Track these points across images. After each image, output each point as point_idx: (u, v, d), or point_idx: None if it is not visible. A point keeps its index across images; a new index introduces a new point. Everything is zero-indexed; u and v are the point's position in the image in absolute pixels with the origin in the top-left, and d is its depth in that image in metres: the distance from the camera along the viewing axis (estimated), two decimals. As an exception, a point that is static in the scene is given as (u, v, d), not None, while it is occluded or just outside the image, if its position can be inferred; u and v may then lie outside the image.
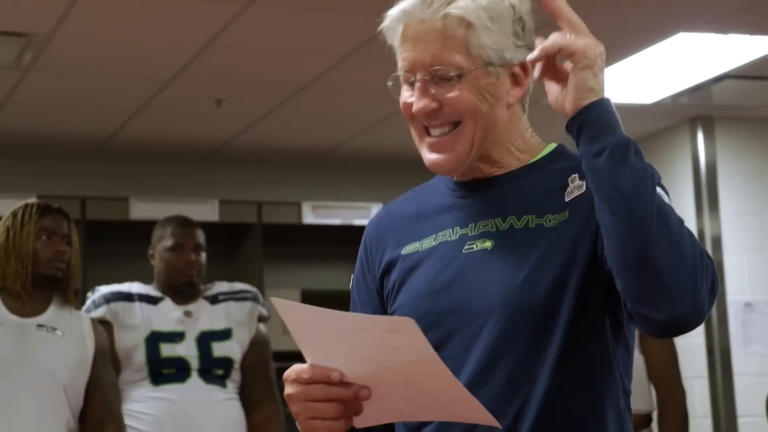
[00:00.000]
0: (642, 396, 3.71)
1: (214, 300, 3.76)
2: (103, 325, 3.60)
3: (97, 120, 5.69)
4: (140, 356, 3.59)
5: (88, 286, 5.35)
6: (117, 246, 6.20)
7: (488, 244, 1.60)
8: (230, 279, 4.04)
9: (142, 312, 3.66)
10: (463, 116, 1.60)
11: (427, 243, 1.66)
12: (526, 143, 1.68)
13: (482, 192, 1.65)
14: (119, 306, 3.65)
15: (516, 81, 1.64)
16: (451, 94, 1.59)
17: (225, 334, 3.69)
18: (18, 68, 4.82)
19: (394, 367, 1.43)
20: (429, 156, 1.63)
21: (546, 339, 1.55)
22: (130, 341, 3.60)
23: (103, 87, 5.16)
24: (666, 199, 1.53)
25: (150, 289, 3.74)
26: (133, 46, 4.64)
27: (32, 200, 3.30)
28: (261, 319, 3.81)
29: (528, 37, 1.65)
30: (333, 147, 6.29)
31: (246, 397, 3.70)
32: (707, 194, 6.02)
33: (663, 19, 4.54)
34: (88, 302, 3.70)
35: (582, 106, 1.54)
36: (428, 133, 1.63)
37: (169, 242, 3.73)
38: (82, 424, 3.21)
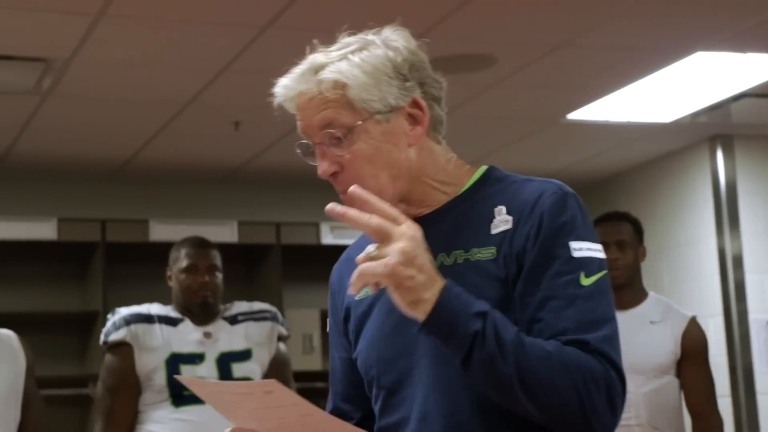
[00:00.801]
0: (676, 421, 3.68)
1: (233, 320, 3.76)
2: (123, 347, 3.62)
3: (117, 143, 5.73)
4: (161, 378, 3.59)
5: (109, 307, 5.37)
6: (137, 268, 6.23)
7: None
8: (249, 300, 4.04)
9: (162, 333, 3.66)
10: (364, 179, 1.60)
11: (370, 290, 1.66)
12: (449, 175, 1.68)
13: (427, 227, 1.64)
14: (139, 328, 3.65)
15: (414, 120, 1.64)
16: (347, 153, 1.61)
17: (245, 355, 3.69)
18: (38, 93, 4.86)
19: (291, 422, 1.53)
20: None
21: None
22: (151, 363, 3.60)
23: (122, 111, 5.19)
24: (584, 247, 1.56)
25: (169, 311, 3.75)
26: (151, 70, 4.67)
27: None
28: (281, 338, 3.82)
29: (416, 73, 1.65)
30: (351, 168, 6.29)
31: None
32: (727, 213, 6.00)
33: (681, 38, 4.54)
34: (108, 324, 3.70)
35: (420, 321, 1.50)
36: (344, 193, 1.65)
37: (183, 263, 3.74)
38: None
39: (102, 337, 3.72)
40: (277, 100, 1.69)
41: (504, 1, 4.09)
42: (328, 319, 1.82)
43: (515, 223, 1.59)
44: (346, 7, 3.97)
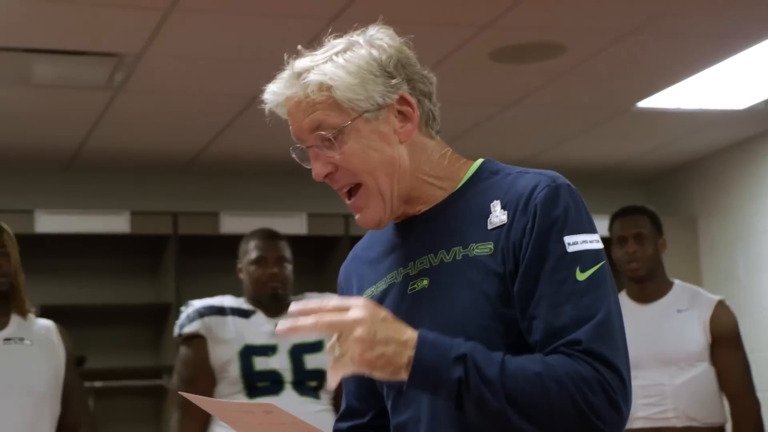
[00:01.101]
0: (714, 410, 3.66)
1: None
2: (197, 339, 3.65)
3: (187, 136, 5.79)
4: (234, 370, 3.62)
5: (181, 299, 5.44)
6: (208, 260, 6.29)
7: (425, 282, 1.65)
8: (319, 291, 4.06)
9: (235, 326, 3.69)
10: (359, 174, 1.64)
11: (380, 286, 1.71)
12: (445, 170, 1.69)
13: (417, 229, 1.69)
14: (212, 320, 3.69)
15: (404, 117, 1.65)
16: (339, 153, 1.63)
17: (317, 346, 3.71)
18: (110, 88, 4.93)
19: None
20: (357, 218, 1.69)
21: None
22: (224, 355, 3.64)
23: (193, 104, 5.24)
24: (579, 240, 1.57)
25: (241, 303, 3.78)
26: (220, 63, 4.71)
27: None
28: None
29: (403, 70, 1.66)
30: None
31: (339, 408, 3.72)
32: (804, 200, 5.89)
33: (755, 22, 4.46)
34: (182, 317, 3.74)
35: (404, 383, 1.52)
36: (347, 196, 1.68)
37: (252, 255, 3.76)
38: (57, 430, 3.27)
39: (176, 330, 3.76)
40: (267, 107, 1.71)
41: (573, -12, 4.06)
42: None
43: (510, 217, 1.60)
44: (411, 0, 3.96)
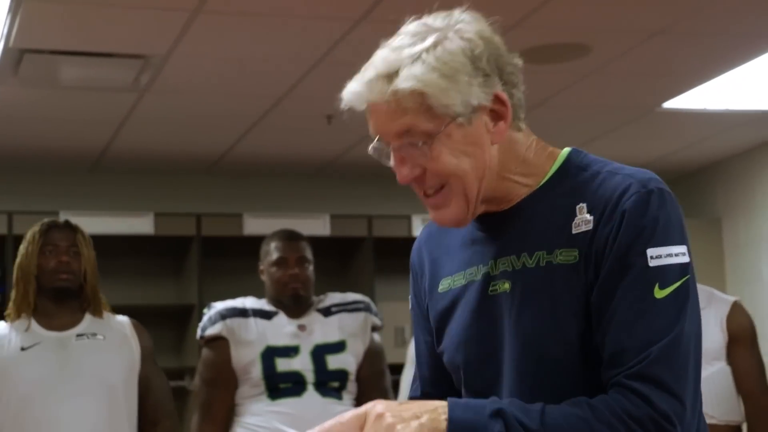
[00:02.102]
0: (731, 407, 3.66)
1: (327, 312, 3.78)
2: (219, 341, 3.67)
3: (212, 138, 5.81)
4: (257, 371, 3.63)
5: (204, 301, 5.46)
6: (231, 261, 6.31)
7: (507, 285, 1.57)
8: (342, 291, 4.06)
9: (257, 327, 3.70)
10: (448, 178, 1.54)
11: (458, 280, 1.64)
12: (530, 166, 1.60)
13: (498, 226, 1.60)
14: (235, 322, 3.70)
15: (497, 115, 1.55)
16: (427, 161, 1.53)
17: (339, 347, 3.71)
18: (136, 89, 4.95)
19: None
20: (432, 214, 1.59)
21: (562, 389, 1.51)
22: (247, 356, 3.65)
23: (217, 106, 5.26)
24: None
25: (263, 304, 3.78)
26: (245, 65, 4.72)
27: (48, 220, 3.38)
28: (374, 329, 3.83)
29: (494, 64, 1.55)
30: (443, 160, 6.30)
31: None
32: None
33: (781, 23, 4.44)
34: (205, 319, 3.76)
35: None
36: (425, 195, 1.58)
37: (273, 256, 3.76)
38: (137, 423, 3.30)
39: (198, 332, 3.77)
40: (345, 106, 1.59)
41: (598, -11, 4.05)
42: (410, 298, 1.78)
43: (596, 223, 1.51)
44: (437, -1, 3.96)
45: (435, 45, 1.52)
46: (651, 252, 1.48)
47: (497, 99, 1.54)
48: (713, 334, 3.62)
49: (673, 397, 1.45)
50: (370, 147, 1.60)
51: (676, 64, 4.87)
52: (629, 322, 1.46)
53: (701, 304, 3.86)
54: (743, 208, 6.39)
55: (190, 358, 5.98)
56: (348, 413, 1.46)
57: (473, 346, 1.61)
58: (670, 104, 5.42)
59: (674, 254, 1.49)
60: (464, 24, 1.55)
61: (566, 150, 1.62)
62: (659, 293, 1.47)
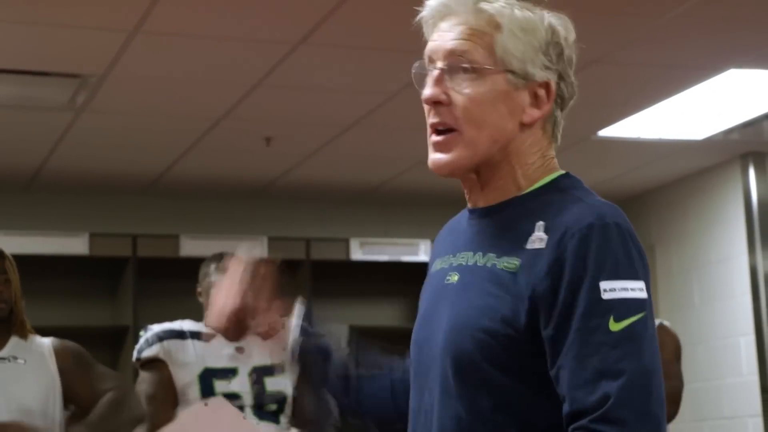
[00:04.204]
0: None
1: (265, 335, 3.76)
2: (157, 363, 3.63)
3: (149, 158, 5.77)
4: (194, 393, 3.60)
5: (139, 322, 5.40)
6: (168, 283, 6.25)
7: (456, 278, 1.59)
8: (282, 314, 4.03)
9: (195, 349, 3.68)
10: (464, 123, 1.55)
11: (438, 264, 1.67)
12: (534, 171, 1.61)
13: (476, 221, 1.63)
14: (172, 344, 3.67)
15: (536, 102, 1.58)
16: (461, 93, 1.55)
17: (278, 369, 3.69)
18: (72, 109, 4.90)
19: None
20: (431, 156, 1.60)
21: (475, 389, 1.52)
22: (184, 378, 3.62)
23: (155, 126, 5.23)
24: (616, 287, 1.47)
25: (201, 327, 3.76)
26: (184, 86, 4.70)
27: None
28: None
29: (561, 64, 1.59)
30: (381, 184, 6.31)
31: None
32: (759, 230, 5.96)
33: (714, 55, 4.53)
34: (141, 341, 3.73)
35: None
36: (435, 133, 1.59)
37: (212, 278, 3.75)
38: (82, 412, 3.30)
39: (135, 354, 3.74)
40: (423, 14, 1.61)
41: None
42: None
43: (548, 244, 1.50)
44: (380, 24, 3.98)
45: (527, 8, 1.58)
46: (603, 285, 1.46)
47: (546, 86, 1.58)
48: None
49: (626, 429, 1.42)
50: (413, 67, 1.62)
51: (611, 93, 4.94)
52: (585, 355, 1.45)
53: None
54: (676, 235, 6.48)
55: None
56: None
57: (420, 331, 1.64)
58: (604, 132, 5.49)
59: (630, 289, 1.47)
60: (555, 18, 1.61)
61: (558, 172, 1.64)
62: (614, 326, 1.45)
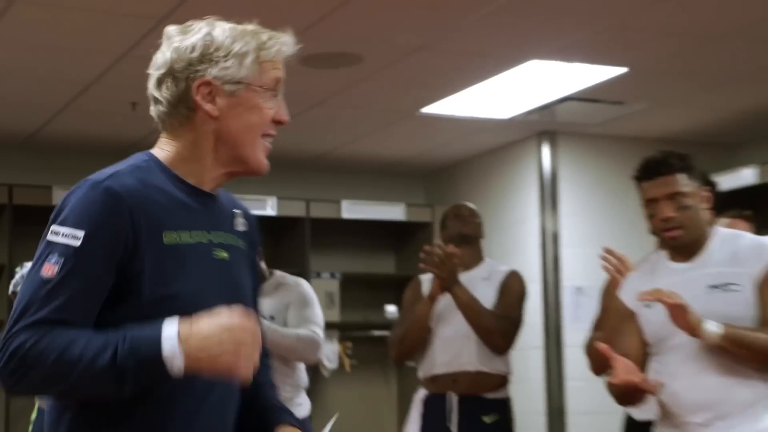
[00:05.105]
0: (501, 359, 3.84)
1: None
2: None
3: (25, 116, 5.49)
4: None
5: (15, 262, 5.16)
6: (41, 228, 5.92)
7: (225, 254, 1.67)
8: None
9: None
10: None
11: (185, 237, 1.63)
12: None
13: (210, 203, 1.70)
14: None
15: (208, 97, 1.70)
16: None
17: None
18: (-48, 68, 4.60)
19: None
20: (264, 159, 1.75)
21: None
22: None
23: (31, 87, 4.97)
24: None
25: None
26: (58, 52, 4.48)
27: None
28: None
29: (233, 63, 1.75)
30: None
31: None
32: (550, 197, 6.11)
33: (518, 47, 4.59)
34: (17, 276, 3.60)
35: None
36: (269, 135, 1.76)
37: None
38: None
39: (11, 288, 3.61)
40: (276, 49, 1.81)
41: (372, 8, 4.06)
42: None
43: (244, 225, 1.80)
44: (237, 3, 3.86)
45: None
46: (54, 228, 1.75)
47: (204, 84, 1.72)
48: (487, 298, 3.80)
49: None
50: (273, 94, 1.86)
51: (433, 76, 4.95)
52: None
53: (485, 275, 4.07)
54: (481, 201, 6.57)
55: (1, 312, 5.65)
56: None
57: (206, 296, 1.61)
58: (427, 110, 5.51)
59: (63, 234, 1.69)
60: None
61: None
62: (47, 269, 1.69)
